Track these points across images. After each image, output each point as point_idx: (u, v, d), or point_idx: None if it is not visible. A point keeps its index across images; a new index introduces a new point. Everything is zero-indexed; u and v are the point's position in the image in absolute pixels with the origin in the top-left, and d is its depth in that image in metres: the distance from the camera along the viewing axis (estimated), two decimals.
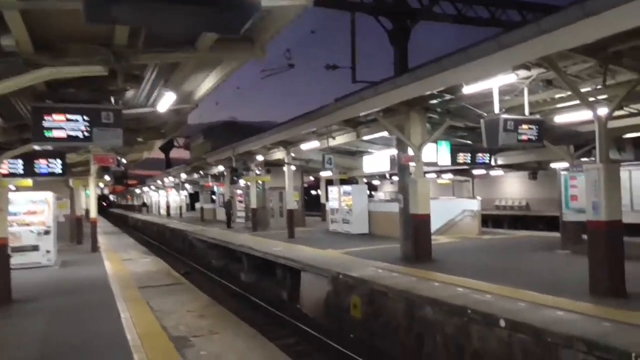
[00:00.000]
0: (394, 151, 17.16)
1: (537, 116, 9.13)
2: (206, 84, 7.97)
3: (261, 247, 15.19)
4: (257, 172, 22.95)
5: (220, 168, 27.43)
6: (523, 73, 8.35)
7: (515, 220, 30.16)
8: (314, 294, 11.27)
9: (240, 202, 28.51)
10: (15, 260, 12.54)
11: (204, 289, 10.81)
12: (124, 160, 18.14)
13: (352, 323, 9.62)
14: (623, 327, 5.73)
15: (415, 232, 11.20)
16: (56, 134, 5.90)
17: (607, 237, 7.19)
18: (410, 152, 11.67)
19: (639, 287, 7.32)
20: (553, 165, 22.88)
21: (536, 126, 8.88)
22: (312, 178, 30.60)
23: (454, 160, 14.73)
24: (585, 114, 10.13)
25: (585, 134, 12.85)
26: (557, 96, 10.22)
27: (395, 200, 22.01)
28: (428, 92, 9.11)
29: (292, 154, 19.02)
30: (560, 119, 10.80)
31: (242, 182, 25.63)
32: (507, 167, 24.71)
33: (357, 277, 9.67)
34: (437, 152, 12.91)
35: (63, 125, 5.89)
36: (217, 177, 32.20)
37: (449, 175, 30.55)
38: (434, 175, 28.31)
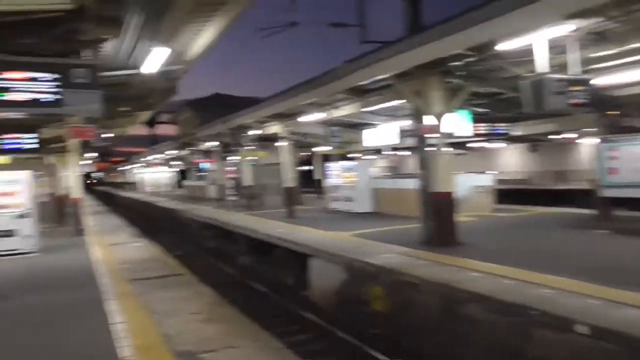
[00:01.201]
0: (401, 123, 15.93)
1: (586, 76, 7.85)
2: (201, 39, 6.58)
3: (261, 228, 13.95)
4: (251, 147, 21.56)
5: (211, 143, 25.95)
6: (577, 23, 7.04)
7: (516, 194, 29.20)
8: (324, 283, 10.09)
9: (232, 179, 27.23)
10: None
11: (204, 278, 9.52)
12: (110, 135, 16.63)
13: (373, 317, 8.46)
14: None
15: (437, 213, 9.99)
16: (12, 96, 4.46)
17: None
18: (429, 121, 10.36)
19: None
20: (565, 135, 21.86)
21: (587, 88, 7.66)
22: (302, 153, 29.17)
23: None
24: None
25: (623, 98, 11.63)
26: (601, 54, 8.92)
27: (399, 175, 20.89)
28: (463, 49, 7.77)
29: (290, 128, 17.65)
30: (602, 81, 9.52)
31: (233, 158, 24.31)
32: (511, 139, 23.51)
33: (378, 265, 8.47)
34: (457, 122, 11.65)
35: (21, 85, 4.44)
36: (207, 153, 30.70)
37: (448, 149, 29.37)
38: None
